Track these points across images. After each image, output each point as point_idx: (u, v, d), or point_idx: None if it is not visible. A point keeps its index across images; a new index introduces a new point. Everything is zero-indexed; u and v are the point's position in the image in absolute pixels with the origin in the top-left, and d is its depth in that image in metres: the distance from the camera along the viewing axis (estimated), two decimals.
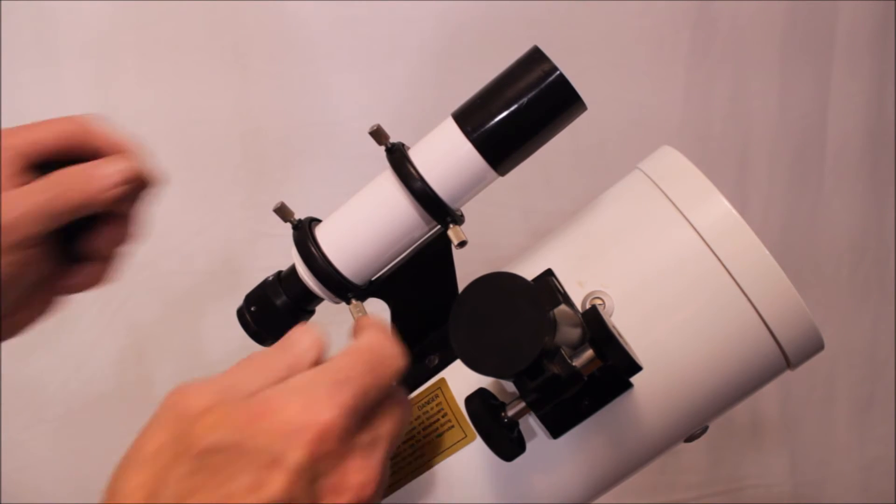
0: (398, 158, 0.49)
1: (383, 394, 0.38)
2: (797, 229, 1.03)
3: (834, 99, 1.02)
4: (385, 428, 0.38)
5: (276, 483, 0.33)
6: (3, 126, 0.45)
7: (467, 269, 0.49)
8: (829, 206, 1.03)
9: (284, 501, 0.33)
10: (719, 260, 0.45)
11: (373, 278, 0.52)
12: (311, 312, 0.54)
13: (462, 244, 0.49)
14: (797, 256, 1.03)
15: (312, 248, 0.50)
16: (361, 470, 0.36)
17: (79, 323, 0.93)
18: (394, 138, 0.51)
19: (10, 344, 0.92)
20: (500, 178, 0.50)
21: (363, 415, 0.37)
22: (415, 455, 0.49)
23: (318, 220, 0.53)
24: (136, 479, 0.34)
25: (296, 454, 0.34)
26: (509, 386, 0.45)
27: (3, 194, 0.42)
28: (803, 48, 1.00)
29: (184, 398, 0.36)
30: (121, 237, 0.48)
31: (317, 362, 0.38)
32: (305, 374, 0.37)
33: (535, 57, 0.47)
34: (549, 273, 0.47)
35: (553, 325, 0.39)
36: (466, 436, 0.48)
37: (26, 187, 0.43)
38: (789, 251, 1.03)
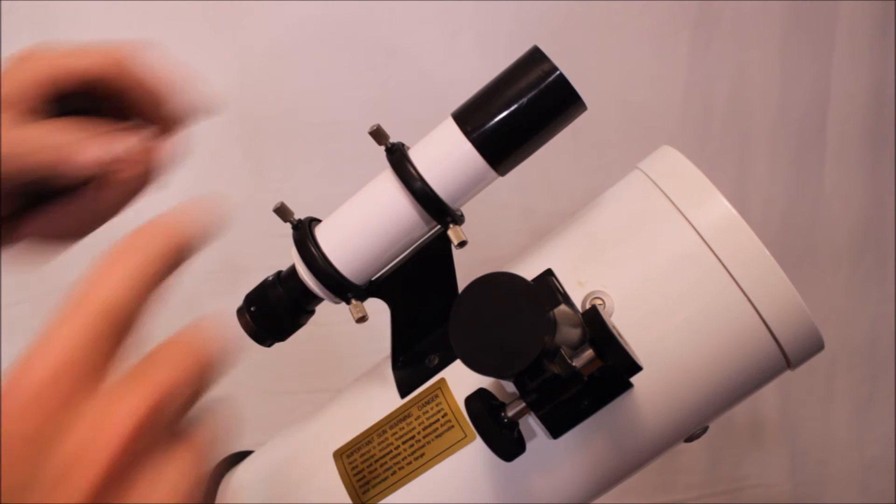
0: (398, 158, 0.49)
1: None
2: (797, 228, 1.03)
3: (834, 98, 1.02)
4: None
5: None
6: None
7: (467, 269, 0.49)
8: (828, 206, 1.04)
9: None
10: (719, 260, 0.45)
11: (373, 278, 0.52)
12: (311, 312, 0.54)
13: (462, 244, 0.49)
14: (797, 256, 1.03)
15: (312, 248, 0.50)
16: None
17: None
18: (394, 138, 0.51)
19: (10, 344, 0.91)
20: (500, 178, 0.50)
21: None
22: (415, 455, 0.49)
23: (318, 220, 0.53)
24: None
25: None
26: (509, 386, 0.45)
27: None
28: (803, 48, 1.00)
29: None
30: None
31: None
32: None
33: (535, 57, 0.47)
34: (549, 273, 0.47)
35: (553, 325, 0.39)
36: (466, 436, 0.48)
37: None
38: (789, 250, 1.03)
